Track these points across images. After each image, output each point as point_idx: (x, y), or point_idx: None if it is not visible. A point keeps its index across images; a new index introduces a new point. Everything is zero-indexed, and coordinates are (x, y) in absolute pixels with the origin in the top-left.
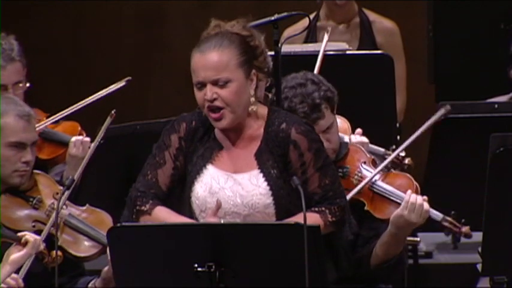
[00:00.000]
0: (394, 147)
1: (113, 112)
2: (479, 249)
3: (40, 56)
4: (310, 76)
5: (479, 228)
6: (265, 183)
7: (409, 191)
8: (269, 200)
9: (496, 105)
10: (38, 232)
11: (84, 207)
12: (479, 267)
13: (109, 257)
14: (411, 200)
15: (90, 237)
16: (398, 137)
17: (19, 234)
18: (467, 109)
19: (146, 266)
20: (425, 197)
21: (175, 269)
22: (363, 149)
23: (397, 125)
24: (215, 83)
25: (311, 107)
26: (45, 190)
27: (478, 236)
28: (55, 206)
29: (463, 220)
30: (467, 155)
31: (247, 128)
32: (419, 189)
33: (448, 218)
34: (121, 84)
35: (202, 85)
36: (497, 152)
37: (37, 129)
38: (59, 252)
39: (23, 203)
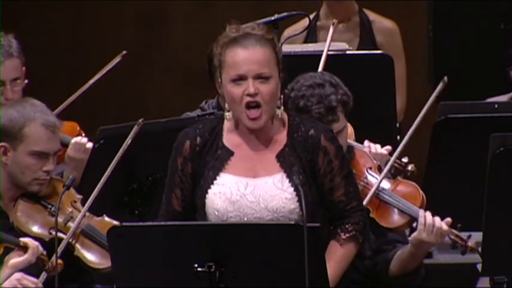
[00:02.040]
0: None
1: (140, 121)
2: (479, 249)
3: (40, 56)
4: (328, 78)
5: (479, 228)
6: (292, 188)
7: (421, 211)
8: (294, 205)
9: (496, 105)
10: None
11: (101, 218)
12: (479, 267)
13: None
14: (428, 221)
15: (107, 249)
16: (398, 137)
17: (21, 239)
18: (467, 109)
19: (146, 266)
20: (448, 219)
21: (175, 269)
22: (368, 153)
23: (397, 125)
24: (258, 77)
25: (327, 109)
26: (64, 198)
27: (478, 236)
28: (73, 215)
29: (469, 234)
30: (467, 155)
31: (270, 132)
32: (425, 199)
33: (454, 231)
34: (117, 60)
35: (242, 79)
36: (497, 152)
37: None
38: (59, 261)
39: (41, 210)
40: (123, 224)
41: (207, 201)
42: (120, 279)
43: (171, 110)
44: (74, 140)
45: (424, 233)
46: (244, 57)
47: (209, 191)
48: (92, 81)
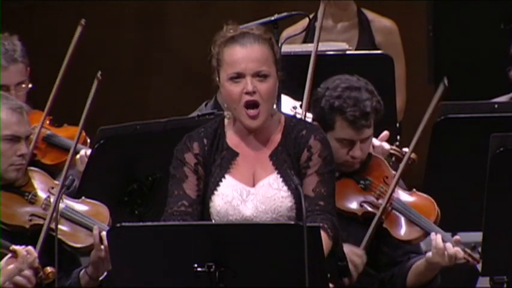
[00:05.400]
0: (398, 143)
1: (98, 75)
2: (479, 249)
3: (40, 56)
4: (363, 84)
5: (479, 228)
6: (286, 187)
7: (432, 234)
8: (291, 202)
9: (496, 105)
10: (36, 226)
11: (80, 199)
12: (479, 267)
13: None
14: (439, 246)
15: (88, 228)
16: (398, 137)
17: (13, 247)
18: (467, 109)
19: (146, 266)
20: (457, 237)
21: (175, 269)
22: (386, 162)
23: (397, 124)
24: (256, 75)
25: (362, 113)
26: (40, 185)
27: (478, 236)
28: (51, 200)
29: (479, 251)
30: (467, 155)
31: (267, 131)
32: (439, 214)
33: (468, 251)
34: (79, 30)
35: (240, 77)
36: (497, 152)
37: (37, 129)
38: (53, 269)
39: (18, 198)
40: (123, 224)
41: (213, 199)
42: (120, 279)
43: (171, 110)
44: (80, 155)
45: (437, 256)
46: (243, 55)
47: (215, 192)
48: (65, 61)
